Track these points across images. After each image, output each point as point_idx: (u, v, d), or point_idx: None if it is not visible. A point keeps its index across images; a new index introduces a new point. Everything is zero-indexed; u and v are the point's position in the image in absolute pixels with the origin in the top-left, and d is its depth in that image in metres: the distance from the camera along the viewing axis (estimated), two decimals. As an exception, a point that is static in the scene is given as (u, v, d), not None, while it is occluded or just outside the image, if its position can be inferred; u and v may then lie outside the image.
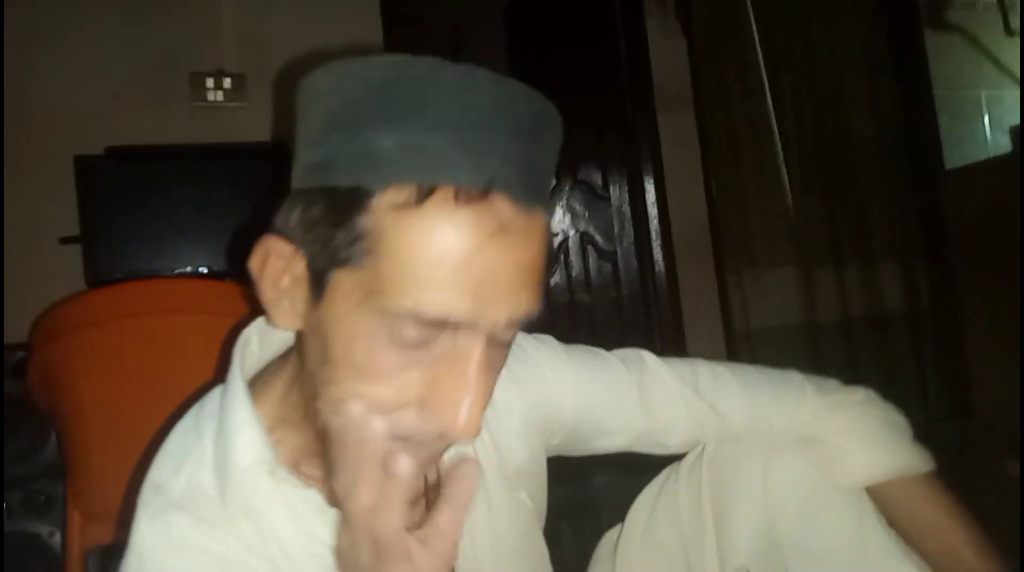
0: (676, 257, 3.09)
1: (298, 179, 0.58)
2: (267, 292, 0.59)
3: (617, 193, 3.25)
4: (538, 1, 3.89)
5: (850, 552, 0.80)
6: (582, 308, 3.22)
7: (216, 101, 2.63)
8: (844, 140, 3.17)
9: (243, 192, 2.35)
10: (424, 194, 0.51)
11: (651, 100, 3.10)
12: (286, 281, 0.58)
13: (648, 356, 0.88)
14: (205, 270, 2.31)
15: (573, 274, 3.25)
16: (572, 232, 3.27)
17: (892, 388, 3.11)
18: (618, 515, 1.02)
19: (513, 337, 0.58)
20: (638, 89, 3.12)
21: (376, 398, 0.54)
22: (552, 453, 0.87)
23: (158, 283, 1.42)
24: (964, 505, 0.84)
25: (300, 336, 0.61)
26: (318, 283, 0.56)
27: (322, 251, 0.55)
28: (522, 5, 4.09)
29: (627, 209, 3.20)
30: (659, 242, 3.08)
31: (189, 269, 2.28)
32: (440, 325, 0.53)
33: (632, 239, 3.20)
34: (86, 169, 2.26)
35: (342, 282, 0.54)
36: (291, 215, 0.56)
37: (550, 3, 3.75)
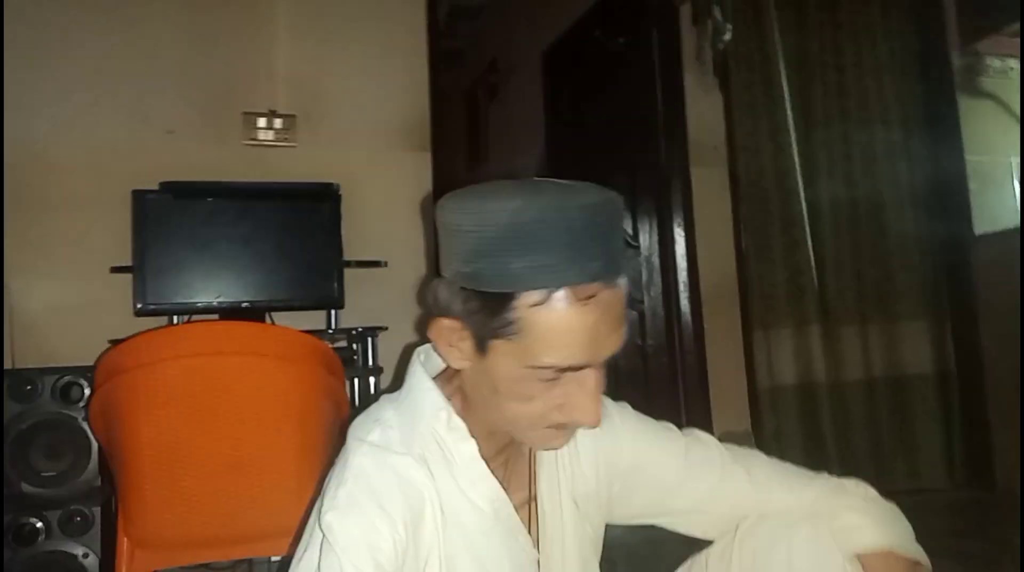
0: (703, 309, 3.14)
1: (450, 275, 0.83)
2: (443, 348, 0.87)
3: (647, 242, 3.31)
4: (577, 48, 3.99)
5: None
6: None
7: (267, 140, 2.74)
8: (874, 200, 3.20)
9: (289, 230, 2.45)
10: (550, 296, 0.78)
11: (686, 152, 3.17)
12: (456, 340, 0.85)
13: (701, 433, 1.09)
14: (247, 304, 2.40)
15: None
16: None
17: (915, 452, 3.13)
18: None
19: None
20: (673, 141, 3.20)
21: (532, 411, 0.84)
22: (611, 516, 1.05)
23: (213, 325, 1.50)
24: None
25: (467, 370, 0.88)
26: (481, 345, 0.83)
27: (483, 329, 0.82)
28: (561, 50, 4.20)
29: (656, 259, 3.25)
30: (687, 293, 3.12)
31: (231, 302, 2.38)
32: (570, 369, 0.81)
33: (660, 289, 3.25)
34: (142, 203, 2.37)
35: (499, 346, 0.82)
36: (452, 303, 0.83)
37: (589, 51, 3.84)
